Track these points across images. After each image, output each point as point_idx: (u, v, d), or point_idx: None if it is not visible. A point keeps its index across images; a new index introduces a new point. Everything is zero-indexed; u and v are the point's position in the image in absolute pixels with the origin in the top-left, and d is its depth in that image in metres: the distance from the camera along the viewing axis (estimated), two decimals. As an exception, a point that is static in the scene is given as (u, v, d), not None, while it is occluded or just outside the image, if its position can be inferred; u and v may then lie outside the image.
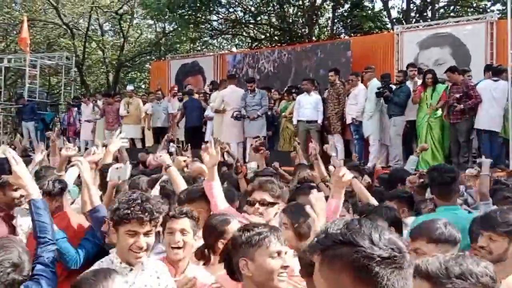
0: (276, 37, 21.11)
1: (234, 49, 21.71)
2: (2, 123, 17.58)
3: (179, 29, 18.58)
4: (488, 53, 9.92)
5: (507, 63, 7.85)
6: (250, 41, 22.24)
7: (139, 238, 2.32)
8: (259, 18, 20.81)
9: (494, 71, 8.10)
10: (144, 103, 12.34)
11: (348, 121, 9.18)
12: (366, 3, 19.13)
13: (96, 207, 3.09)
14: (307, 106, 9.46)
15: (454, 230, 2.45)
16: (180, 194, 3.32)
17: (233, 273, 2.10)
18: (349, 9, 19.34)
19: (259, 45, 21.00)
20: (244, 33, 22.25)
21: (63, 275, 2.86)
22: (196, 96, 11.65)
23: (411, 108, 8.63)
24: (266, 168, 5.95)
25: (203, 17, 19.27)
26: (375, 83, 8.93)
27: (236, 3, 19.92)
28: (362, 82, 9.20)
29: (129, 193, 2.50)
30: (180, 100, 11.69)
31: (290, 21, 20.15)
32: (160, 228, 2.60)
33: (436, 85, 8.29)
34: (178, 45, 22.36)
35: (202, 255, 2.72)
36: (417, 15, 18.71)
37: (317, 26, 20.29)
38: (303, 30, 19.79)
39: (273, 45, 19.67)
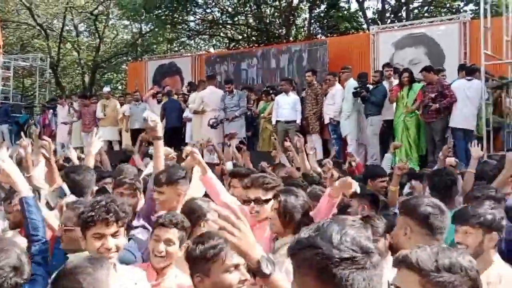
0: (253, 38, 21.14)
1: (211, 50, 21.66)
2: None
3: (156, 29, 18.46)
4: (461, 52, 10.12)
5: (480, 63, 8.03)
6: (227, 41, 22.22)
7: (106, 240, 2.27)
8: (236, 19, 20.81)
9: (468, 70, 8.27)
10: (121, 104, 12.21)
11: (326, 121, 9.26)
12: (342, 4, 19.31)
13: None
14: (285, 107, 9.51)
15: None
16: (159, 175, 3.23)
17: None
18: (325, 9, 19.47)
19: (237, 45, 21.00)
20: (222, 34, 22.21)
21: None
22: (175, 97, 11.59)
23: (388, 107, 8.77)
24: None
25: (180, 18, 19.17)
26: (352, 83, 9.04)
27: (213, 4, 19.88)
28: (339, 82, 9.30)
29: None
30: (159, 101, 11.61)
31: (267, 21, 20.19)
32: None
33: (412, 84, 8.43)
34: (155, 46, 22.19)
35: None
36: (392, 15, 18.98)
37: (294, 27, 20.39)
38: (280, 30, 19.88)
39: (251, 45, 19.69)
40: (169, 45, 22.28)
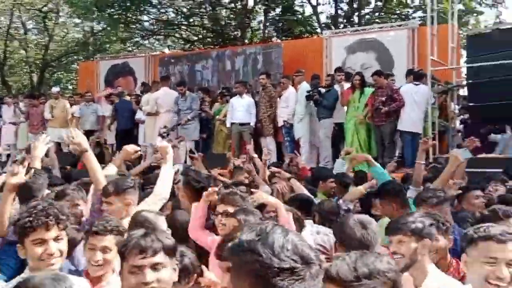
0: (209, 39, 21.07)
1: (166, 50, 21.41)
2: None
3: (108, 28, 18.04)
4: (410, 58, 10.43)
5: (427, 68, 8.34)
6: (183, 42, 22.05)
7: (48, 245, 2.18)
8: (191, 20, 20.68)
9: (415, 75, 8.57)
10: (72, 104, 11.87)
11: (280, 123, 9.34)
12: (297, 8, 19.58)
13: None
14: (240, 109, 9.52)
15: None
16: (107, 185, 3.19)
17: None
18: (280, 13, 19.70)
19: (192, 46, 20.87)
20: (177, 35, 22.02)
21: None
22: (127, 98, 11.37)
23: (339, 110, 8.95)
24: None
25: (134, 17, 18.85)
26: (305, 86, 9.17)
27: (168, 4, 19.68)
28: (292, 85, 9.41)
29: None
30: (111, 102, 11.36)
31: (223, 23, 20.19)
32: None
33: (363, 89, 8.64)
34: (108, 45, 21.71)
35: None
36: (345, 20, 19.41)
37: (249, 29, 20.48)
38: (235, 32, 19.91)
39: (206, 47, 19.62)
40: (122, 45, 21.87)
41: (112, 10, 16.98)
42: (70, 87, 24.49)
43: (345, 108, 8.85)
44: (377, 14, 19.82)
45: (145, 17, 20.05)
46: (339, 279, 1.36)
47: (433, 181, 4.44)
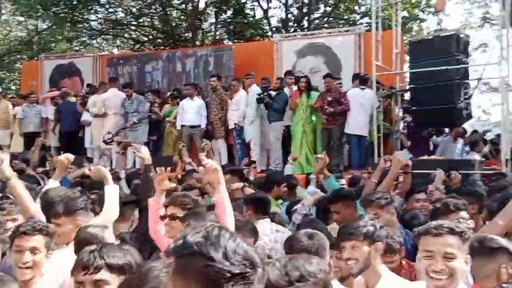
0: (159, 40, 20.81)
1: (115, 51, 20.94)
2: None
3: (54, 27, 17.45)
4: (356, 63, 10.72)
5: (372, 73, 8.62)
6: (132, 43, 21.66)
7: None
8: (141, 20, 20.36)
9: (361, 80, 8.84)
10: (14, 106, 11.41)
11: (231, 126, 9.38)
12: (248, 11, 19.69)
13: None
14: (191, 111, 9.48)
15: None
16: (56, 206, 3.05)
17: None
18: (232, 15, 19.75)
19: (142, 47, 20.55)
20: (126, 35, 21.60)
21: None
22: (73, 99, 11.04)
23: (289, 113, 9.09)
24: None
25: (81, 16, 18.34)
26: (255, 89, 9.26)
27: (117, 4, 19.28)
28: (243, 88, 9.47)
29: None
30: (55, 104, 11.01)
31: (174, 24, 19.99)
32: None
33: (310, 92, 8.82)
34: (53, 44, 20.99)
35: None
36: (295, 24, 19.71)
37: (200, 31, 20.39)
38: (186, 34, 19.77)
39: (156, 48, 19.37)
40: (68, 44, 21.22)
41: (57, 8, 16.46)
42: (13, 87, 23.47)
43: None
44: (326, 19, 20.26)
45: (92, 16, 19.58)
46: (271, 286, 1.38)
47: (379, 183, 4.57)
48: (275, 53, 11.49)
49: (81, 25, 19.31)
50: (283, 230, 3.79)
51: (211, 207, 3.37)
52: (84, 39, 20.98)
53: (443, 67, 7.54)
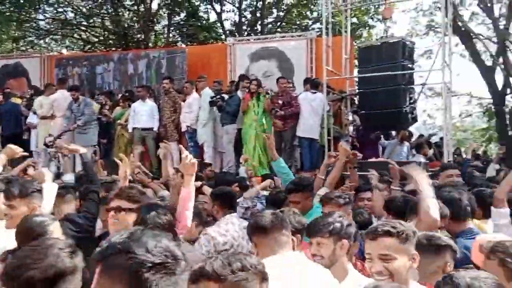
0: (111, 41, 20.40)
1: (64, 51, 20.36)
2: None
3: (-1, 26, 16.80)
4: (308, 67, 10.97)
5: (323, 78, 8.81)
6: (82, 43, 21.12)
7: None
8: (91, 21, 19.90)
9: (312, 84, 9.02)
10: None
11: (183, 128, 9.34)
12: (201, 14, 19.66)
13: None
14: (143, 114, 9.37)
15: None
16: (11, 187, 3.01)
17: None
18: (185, 18, 19.65)
19: (93, 48, 20.08)
20: (76, 35, 21.04)
21: None
22: (19, 100, 10.65)
23: (242, 116, 9.14)
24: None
25: (28, 16, 17.72)
26: (208, 92, 9.28)
27: (66, 3, 18.77)
28: (196, 91, 9.46)
29: None
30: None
31: (126, 25, 19.67)
32: None
33: (259, 95, 8.90)
34: (-2, 44, 20.16)
35: None
36: (249, 28, 19.86)
37: (153, 33, 20.17)
38: (139, 36, 19.50)
39: (108, 49, 18.98)
40: (14, 44, 20.43)
41: (3, 7, 15.86)
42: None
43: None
44: (279, 24, 20.52)
45: (40, 16, 18.98)
46: (215, 275, 1.49)
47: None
48: (228, 56, 11.55)
49: (28, 25, 18.67)
50: None
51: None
52: (31, 38, 20.28)
53: (390, 73, 7.81)
